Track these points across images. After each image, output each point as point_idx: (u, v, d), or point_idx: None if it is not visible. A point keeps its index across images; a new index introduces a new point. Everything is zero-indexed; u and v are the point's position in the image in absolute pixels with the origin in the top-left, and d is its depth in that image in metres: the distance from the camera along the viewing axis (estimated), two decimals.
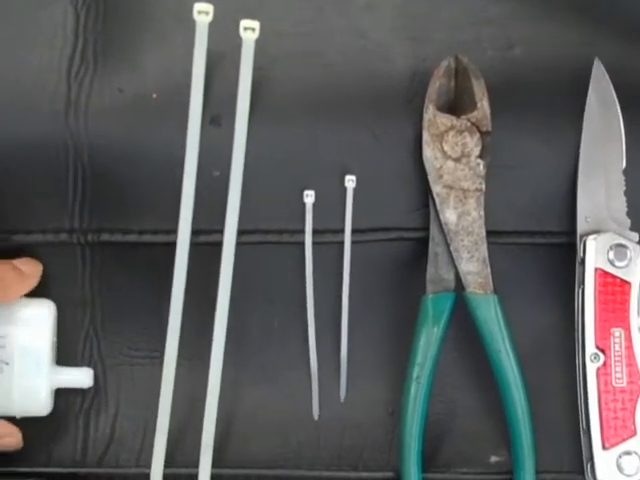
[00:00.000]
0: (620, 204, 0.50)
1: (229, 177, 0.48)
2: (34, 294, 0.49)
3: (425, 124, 0.49)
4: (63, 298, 0.50)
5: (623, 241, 0.49)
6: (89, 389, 0.50)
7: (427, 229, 0.50)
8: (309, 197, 0.50)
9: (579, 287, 0.49)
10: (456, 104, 0.50)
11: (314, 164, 0.50)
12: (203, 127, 0.48)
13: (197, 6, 0.48)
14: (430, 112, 0.49)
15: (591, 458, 0.48)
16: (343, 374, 0.50)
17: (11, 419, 0.49)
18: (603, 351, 0.48)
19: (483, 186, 0.49)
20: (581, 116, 0.50)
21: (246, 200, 0.49)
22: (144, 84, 0.50)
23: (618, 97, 0.50)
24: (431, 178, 0.49)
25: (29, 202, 0.50)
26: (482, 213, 0.49)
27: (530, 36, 0.52)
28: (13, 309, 0.49)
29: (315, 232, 0.50)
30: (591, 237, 0.49)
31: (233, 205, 0.48)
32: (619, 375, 0.48)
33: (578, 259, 0.49)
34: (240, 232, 0.49)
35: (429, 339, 0.48)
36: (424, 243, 0.50)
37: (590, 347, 0.48)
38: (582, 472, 0.49)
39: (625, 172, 0.50)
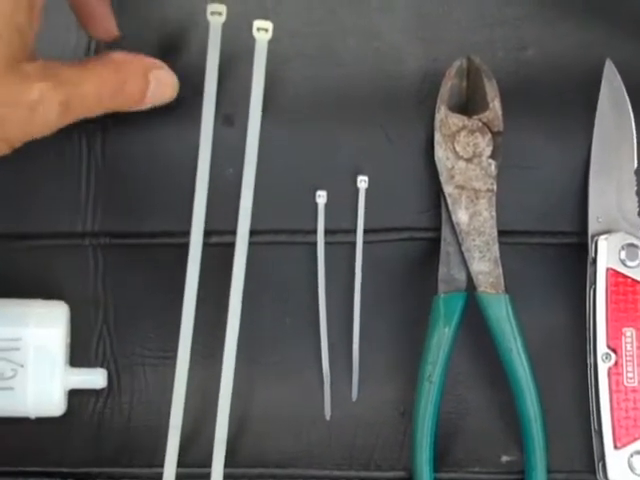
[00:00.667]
0: (632, 204, 0.50)
1: (241, 177, 0.49)
2: (47, 296, 0.49)
3: (437, 124, 0.49)
4: (76, 299, 0.50)
5: (635, 241, 0.49)
6: (102, 389, 0.50)
7: (439, 229, 0.50)
8: (321, 197, 0.50)
9: (590, 287, 0.49)
10: (468, 104, 0.50)
11: (326, 164, 0.51)
12: (216, 127, 0.48)
13: (210, 7, 0.48)
14: (442, 112, 0.49)
15: (602, 458, 0.48)
16: (355, 374, 0.50)
17: (25, 420, 0.49)
18: (615, 351, 0.48)
19: (495, 186, 0.49)
20: (593, 117, 0.50)
21: (258, 200, 0.49)
22: None
23: (630, 98, 0.50)
24: (443, 178, 0.49)
25: (41, 204, 0.50)
26: (494, 213, 0.49)
27: (542, 37, 0.52)
28: (27, 311, 0.48)
29: (327, 232, 0.50)
30: (602, 237, 0.49)
31: (245, 205, 0.48)
32: (630, 375, 0.48)
33: (589, 259, 0.49)
34: (252, 232, 0.49)
35: (441, 339, 0.48)
36: (436, 243, 0.50)
37: (601, 347, 0.48)
38: (594, 472, 0.49)
39: (637, 172, 0.50)
